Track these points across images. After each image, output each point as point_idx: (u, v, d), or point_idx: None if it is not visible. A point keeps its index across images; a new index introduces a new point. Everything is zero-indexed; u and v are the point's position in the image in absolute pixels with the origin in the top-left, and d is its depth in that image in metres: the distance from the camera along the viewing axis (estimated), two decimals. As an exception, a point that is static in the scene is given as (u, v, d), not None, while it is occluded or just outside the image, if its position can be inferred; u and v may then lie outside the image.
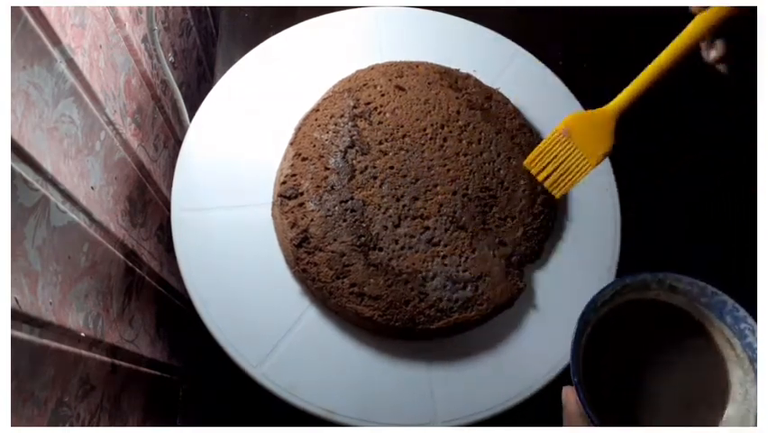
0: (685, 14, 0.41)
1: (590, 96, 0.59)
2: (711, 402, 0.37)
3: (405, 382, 0.47)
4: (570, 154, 0.43)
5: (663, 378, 0.38)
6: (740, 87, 0.41)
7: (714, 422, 0.37)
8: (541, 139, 0.56)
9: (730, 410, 0.37)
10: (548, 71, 0.61)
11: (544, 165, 0.44)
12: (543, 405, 0.48)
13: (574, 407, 0.37)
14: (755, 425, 0.35)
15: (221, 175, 0.52)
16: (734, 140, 0.61)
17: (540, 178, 0.44)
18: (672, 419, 0.36)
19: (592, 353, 0.38)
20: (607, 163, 0.57)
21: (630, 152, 0.58)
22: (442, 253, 0.49)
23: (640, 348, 0.39)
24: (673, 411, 0.37)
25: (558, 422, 0.41)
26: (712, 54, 0.40)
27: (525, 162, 0.45)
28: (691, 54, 0.39)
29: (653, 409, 0.37)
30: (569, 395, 0.37)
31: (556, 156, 0.44)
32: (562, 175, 0.44)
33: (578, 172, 0.43)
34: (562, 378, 0.48)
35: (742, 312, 0.37)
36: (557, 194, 0.44)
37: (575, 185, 0.44)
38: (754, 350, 0.36)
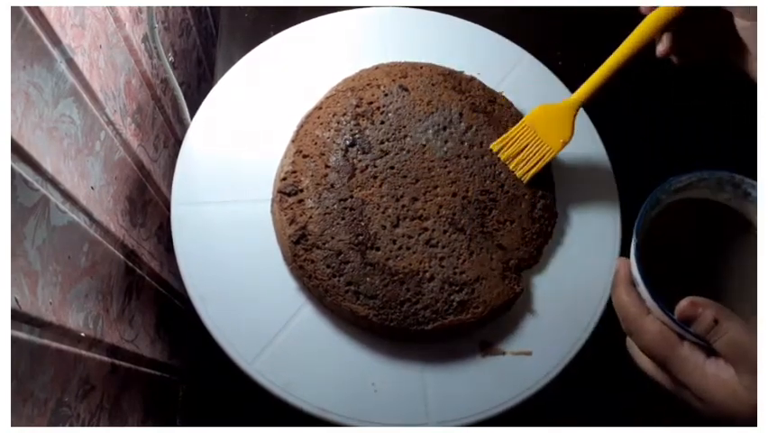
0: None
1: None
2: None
3: (399, 382, 0.47)
4: (533, 142, 0.50)
5: (726, 271, 0.39)
6: (694, 75, 0.50)
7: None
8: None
9: None
10: (552, 75, 0.61)
11: (511, 152, 0.51)
12: (539, 408, 0.48)
13: (623, 273, 0.39)
14: None
15: (221, 171, 0.53)
16: (736, 150, 0.61)
17: (503, 157, 0.51)
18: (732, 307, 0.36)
19: (652, 240, 0.39)
20: (608, 170, 0.57)
21: (632, 158, 0.58)
22: (439, 255, 0.49)
23: (701, 243, 0.40)
24: (733, 299, 0.37)
25: (555, 424, 0.41)
26: (661, 48, 0.46)
27: (491, 146, 0.51)
28: (645, 49, 0.45)
29: (711, 293, 0.37)
30: (621, 265, 0.39)
31: (521, 144, 0.50)
32: (525, 160, 0.50)
33: (541, 158, 0.50)
34: (558, 382, 0.47)
35: None
36: (523, 176, 0.50)
37: (539, 169, 0.50)
38: None
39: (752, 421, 0.33)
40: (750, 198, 0.40)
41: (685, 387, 0.35)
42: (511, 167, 0.51)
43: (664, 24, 0.44)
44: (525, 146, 0.50)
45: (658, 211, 0.40)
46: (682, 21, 0.43)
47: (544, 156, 0.50)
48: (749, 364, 0.33)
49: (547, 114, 0.50)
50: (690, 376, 0.34)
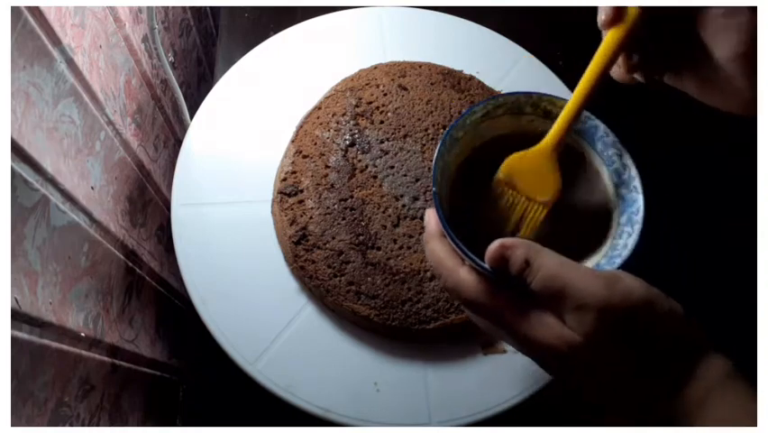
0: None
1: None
2: (589, 227, 0.36)
3: (401, 381, 0.47)
4: (518, 202, 0.38)
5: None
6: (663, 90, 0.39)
7: (595, 248, 0.35)
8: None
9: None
10: (551, 74, 0.61)
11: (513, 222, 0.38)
12: (539, 406, 0.48)
13: (433, 226, 0.35)
14: (619, 243, 0.33)
15: (221, 172, 0.53)
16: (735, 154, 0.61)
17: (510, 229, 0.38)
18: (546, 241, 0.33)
19: (462, 182, 0.36)
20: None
21: (631, 155, 0.58)
22: (441, 254, 0.49)
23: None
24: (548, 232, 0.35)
25: (555, 423, 0.41)
26: (619, 71, 0.38)
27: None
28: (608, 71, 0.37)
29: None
30: (430, 217, 0.36)
31: (505, 207, 0.37)
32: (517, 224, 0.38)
33: (532, 219, 0.37)
34: (559, 380, 0.47)
35: (612, 137, 0.36)
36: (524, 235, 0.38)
37: (533, 231, 0.37)
38: (620, 175, 0.35)
39: (578, 363, 0.29)
40: (552, 115, 0.36)
41: (515, 337, 0.31)
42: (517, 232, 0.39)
43: (629, 39, 0.36)
44: (511, 210, 0.38)
45: (459, 152, 0.36)
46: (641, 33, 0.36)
47: (535, 216, 0.38)
48: (570, 300, 0.29)
49: (523, 166, 0.38)
50: (514, 326, 0.31)
